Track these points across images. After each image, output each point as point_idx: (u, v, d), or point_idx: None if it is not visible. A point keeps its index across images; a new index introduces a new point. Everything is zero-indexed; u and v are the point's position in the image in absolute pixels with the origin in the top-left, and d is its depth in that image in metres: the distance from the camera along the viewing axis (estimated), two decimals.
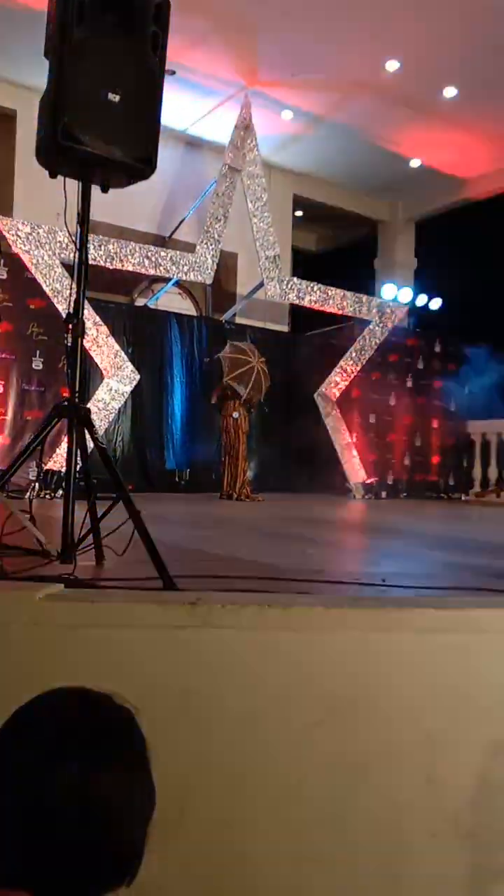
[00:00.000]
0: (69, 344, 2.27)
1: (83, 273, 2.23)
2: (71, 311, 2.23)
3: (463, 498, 9.86)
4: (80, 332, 2.20)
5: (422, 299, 9.84)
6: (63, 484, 5.06)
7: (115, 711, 0.82)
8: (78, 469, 2.35)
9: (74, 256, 2.27)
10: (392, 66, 7.37)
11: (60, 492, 6.02)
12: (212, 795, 1.64)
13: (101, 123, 2.06)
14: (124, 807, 0.77)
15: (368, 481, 8.91)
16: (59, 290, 6.73)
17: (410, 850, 1.72)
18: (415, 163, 9.49)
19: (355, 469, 8.85)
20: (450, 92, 7.76)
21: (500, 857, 1.78)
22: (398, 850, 1.72)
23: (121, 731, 0.81)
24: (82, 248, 2.21)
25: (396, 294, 9.40)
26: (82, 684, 0.89)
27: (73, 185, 2.30)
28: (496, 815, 1.79)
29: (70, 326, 2.21)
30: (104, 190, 2.31)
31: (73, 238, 2.24)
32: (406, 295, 9.55)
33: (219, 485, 7.62)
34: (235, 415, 7.28)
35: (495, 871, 1.78)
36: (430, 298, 9.87)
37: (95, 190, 2.33)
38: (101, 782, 0.75)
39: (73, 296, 2.25)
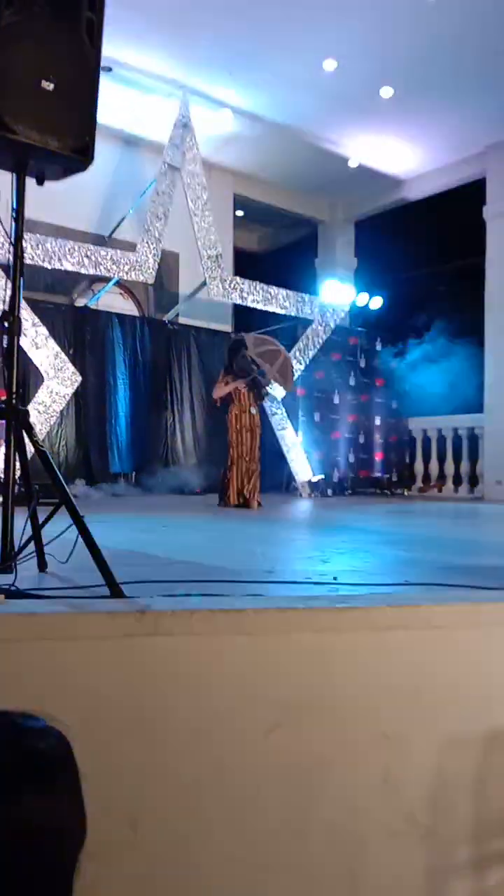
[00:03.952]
0: (5, 343, 2.17)
1: (19, 268, 2.14)
2: (6, 308, 2.13)
3: (406, 493, 10.02)
4: (16, 329, 2.10)
5: (363, 298, 9.94)
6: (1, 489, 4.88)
7: (41, 737, 0.73)
8: (17, 474, 2.25)
9: (9, 251, 2.17)
10: (330, 65, 7.40)
11: None
12: (165, 809, 1.58)
13: (35, 112, 1.97)
14: (50, 841, 0.69)
15: (315, 479, 8.95)
16: None
17: (369, 852, 1.70)
18: (353, 163, 9.57)
19: (302, 467, 8.88)
20: (387, 92, 7.83)
21: (458, 852, 1.78)
22: (357, 853, 1.69)
23: (49, 759, 0.72)
24: (17, 242, 2.12)
25: (338, 293, 9.47)
26: (26, 701, 0.82)
27: (5, 180, 2.20)
28: (452, 812, 1.78)
29: (6, 324, 2.11)
30: (39, 182, 2.21)
31: (7, 232, 2.15)
32: (347, 294, 9.63)
33: (160, 486, 7.55)
34: (253, 410, 6.57)
35: (454, 866, 1.78)
36: (370, 297, 9.99)
37: (34, 188, 2.24)
38: (21, 817, 0.67)
39: (9, 293, 2.15)
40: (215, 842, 1.61)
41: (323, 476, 9.09)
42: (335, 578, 2.38)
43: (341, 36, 6.96)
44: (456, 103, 7.94)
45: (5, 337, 2.18)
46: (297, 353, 8.88)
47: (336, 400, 9.66)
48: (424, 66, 7.35)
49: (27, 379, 6.92)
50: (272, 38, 7.00)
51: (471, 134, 8.61)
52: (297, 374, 8.21)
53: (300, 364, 8.92)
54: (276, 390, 7.57)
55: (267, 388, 6.89)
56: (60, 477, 2.13)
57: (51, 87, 2.01)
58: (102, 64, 2.20)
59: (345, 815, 1.69)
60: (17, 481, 2.32)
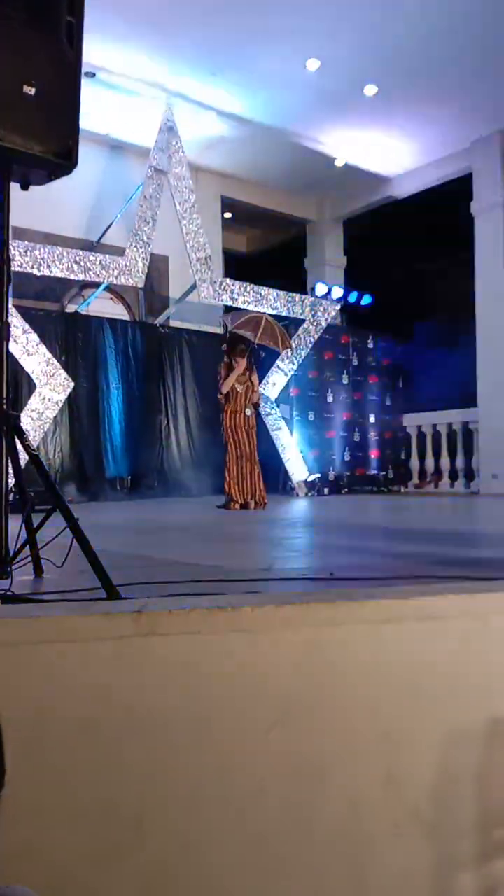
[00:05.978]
0: None
1: (5, 273, 2.13)
2: None
3: (402, 490, 10.03)
4: (4, 334, 2.10)
5: (353, 296, 9.94)
6: None
7: None
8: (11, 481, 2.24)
9: None
10: (313, 64, 7.42)
11: None
12: (168, 809, 1.58)
13: (17, 117, 1.97)
14: None
15: (310, 479, 8.95)
16: None
17: (374, 848, 1.70)
18: (339, 161, 9.59)
19: (297, 467, 8.88)
20: (371, 90, 7.86)
21: (463, 846, 1.78)
22: (362, 849, 1.69)
23: None
24: (4, 246, 2.11)
25: (328, 292, 9.48)
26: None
27: None
28: (457, 805, 1.78)
29: None
30: (24, 187, 2.21)
31: None
32: (337, 293, 9.64)
33: (155, 490, 7.50)
34: (248, 411, 6.53)
35: (459, 860, 1.77)
36: (360, 295, 10.00)
37: (21, 196, 2.24)
38: None
39: None
40: (219, 841, 1.60)
41: (318, 475, 9.09)
42: (332, 574, 2.38)
43: (323, 35, 6.98)
44: (440, 99, 7.97)
45: None
46: (290, 353, 8.88)
47: (330, 398, 9.67)
48: (407, 63, 7.37)
49: (19, 385, 6.91)
50: (255, 38, 7.01)
51: (456, 129, 8.64)
52: (285, 340, 7.51)
53: (293, 364, 8.93)
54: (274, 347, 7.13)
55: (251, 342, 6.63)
56: (53, 481, 2.12)
57: (32, 91, 2.01)
58: (85, 69, 2.20)
59: (349, 812, 1.69)
60: (12, 489, 2.31)
